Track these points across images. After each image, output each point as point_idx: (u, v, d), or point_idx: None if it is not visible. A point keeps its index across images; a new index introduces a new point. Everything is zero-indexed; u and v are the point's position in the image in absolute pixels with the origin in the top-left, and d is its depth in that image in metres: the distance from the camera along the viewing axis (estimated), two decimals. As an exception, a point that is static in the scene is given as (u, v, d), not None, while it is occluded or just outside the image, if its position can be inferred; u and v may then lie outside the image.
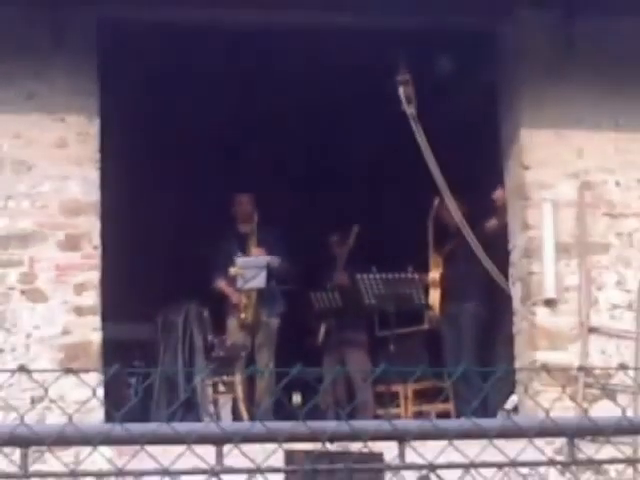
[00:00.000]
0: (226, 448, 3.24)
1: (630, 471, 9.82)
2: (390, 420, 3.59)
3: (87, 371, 9.73)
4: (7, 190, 9.91)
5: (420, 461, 3.48)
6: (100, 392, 9.64)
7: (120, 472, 3.58)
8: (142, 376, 10.33)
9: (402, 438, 3.25)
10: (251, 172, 11.76)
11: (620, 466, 9.62)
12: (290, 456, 6.83)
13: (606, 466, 9.81)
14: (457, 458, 3.61)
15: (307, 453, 6.48)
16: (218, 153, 12.29)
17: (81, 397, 9.21)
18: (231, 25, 10.24)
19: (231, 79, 11.43)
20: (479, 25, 10.56)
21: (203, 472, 3.27)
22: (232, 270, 11.19)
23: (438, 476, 3.98)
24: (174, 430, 3.32)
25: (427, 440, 3.43)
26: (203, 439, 3.30)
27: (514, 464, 3.83)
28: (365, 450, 3.47)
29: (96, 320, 9.94)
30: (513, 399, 10.53)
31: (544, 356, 10.42)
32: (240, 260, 11.20)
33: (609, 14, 10.30)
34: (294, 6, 9.78)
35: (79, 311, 9.89)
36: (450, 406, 11.11)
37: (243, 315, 11.13)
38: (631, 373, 10.08)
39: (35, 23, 9.82)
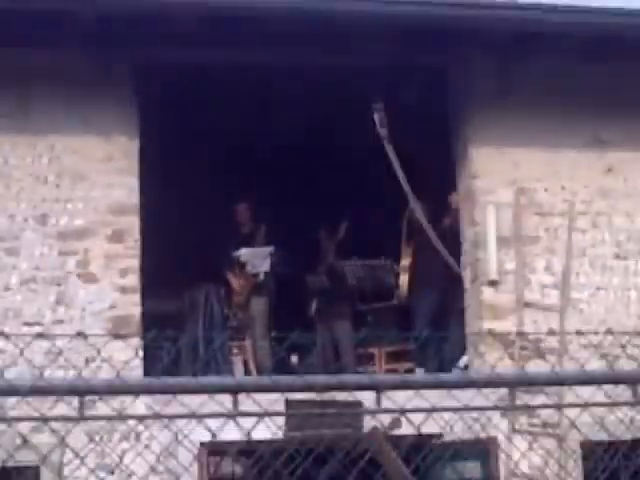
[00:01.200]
0: (240, 397, 3.24)
1: (557, 415, 9.87)
2: (368, 375, 3.61)
3: (130, 337, 9.75)
4: (66, 195, 9.90)
5: (392, 406, 3.47)
6: (140, 353, 9.68)
7: (156, 416, 3.59)
8: (173, 341, 10.35)
9: (378, 389, 3.25)
10: (259, 181, 11.70)
11: (549, 410, 9.69)
12: (289, 403, 6.82)
13: (538, 410, 9.84)
14: (422, 404, 3.62)
15: (303, 401, 6.50)
16: (231, 166, 12.25)
17: (125, 357, 9.19)
18: (242, 64, 10.24)
19: (243, 107, 11.41)
20: (437, 63, 10.57)
21: (222, 415, 3.28)
22: (242, 257, 11.27)
23: (407, 418, 4.00)
24: (198, 382, 3.31)
25: (398, 390, 3.43)
26: (222, 389, 3.30)
27: (467, 409, 3.83)
28: (349, 399, 3.46)
29: (137, 297, 9.94)
30: (464, 359, 10.57)
31: (489, 324, 10.44)
32: (246, 250, 11.29)
33: (540, 57, 10.32)
34: (289, 47, 9.78)
35: (123, 290, 9.90)
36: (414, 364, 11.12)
37: (237, 298, 11.22)
38: (557, 338, 10.14)
39: (90, 63, 9.81)
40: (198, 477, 9.54)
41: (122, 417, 3.51)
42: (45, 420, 2.94)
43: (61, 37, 9.44)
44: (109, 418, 3.31)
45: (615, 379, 3.68)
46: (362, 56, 10.04)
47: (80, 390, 2.95)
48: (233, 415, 3.09)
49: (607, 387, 3.52)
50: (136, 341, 9.78)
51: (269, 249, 11.32)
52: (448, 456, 9.98)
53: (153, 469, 9.23)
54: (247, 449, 9.06)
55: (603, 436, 9.42)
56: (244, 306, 11.22)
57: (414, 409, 3.48)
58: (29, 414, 3.26)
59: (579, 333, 9.88)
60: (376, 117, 10.35)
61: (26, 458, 9.02)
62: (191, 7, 9.57)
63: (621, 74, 10.57)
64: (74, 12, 9.31)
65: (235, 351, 11.04)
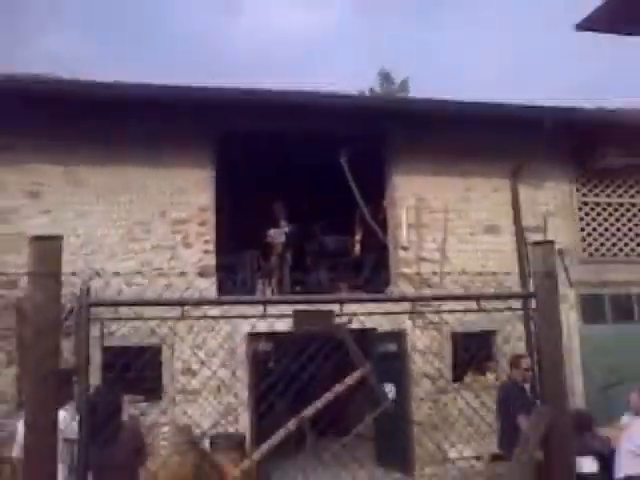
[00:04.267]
0: (268, 307, 3.24)
1: (437, 317, 9.68)
2: (336, 294, 3.63)
3: (209, 276, 9.75)
4: (175, 201, 9.90)
5: (349, 312, 3.49)
6: (214, 285, 9.70)
7: (223, 317, 3.62)
8: (232, 278, 10.37)
9: (342, 302, 3.27)
10: (282, 195, 11.59)
11: (433, 315, 9.67)
12: (296, 312, 6.82)
13: (427, 314, 9.90)
14: (364, 310, 3.64)
15: (303, 310, 6.51)
16: (267, 184, 12.11)
17: (206, 286, 9.22)
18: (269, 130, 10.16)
19: (277, 151, 11.29)
20: (380, 131, 10.52)
21: (257, 317, 3.27)
22: (271, 234, 11.26)
23: (357, 319, 4.03)
24: (245, 298, 3.34)
25: (352, 303, 3.44)
26: (258, 302, 3.31)
27: (391, 312, 3.87)
28: (327, 308, 3.46)
29: (213, 256, 9.91)
30: (390, 288, 10.57)
31: (402, 270, 10.44)
32: (272, 230, 11.26)
33: (433, 129, 10.28)
34: (299, 120, 9.72)
35: (206, 252, 9.89)
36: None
37: (277, 253, 11.13)
38: (437, 277, 10.17)
39: (187, 127, 9.77)
40: (246, 351, 9.58)
41: (205, 317, 3.51)
42: (164, 319, 2.95)
43: (176, 112, 9.42)
44: (198, 318, 3.31)
45: (448, 298, 3.70)
46: (337, 127, 9.98)
47: (181, 302, 2.96)
48: (264, 316, 3.11)
49: (464, 302, 3.54)
50: (212, 278, 9.80)
51: (284, 229, 11.30)
52: (379, 340, 10.07)
53: (221, 346, 9.28)
54: (272, 335, 9.17)
55: (462, 329, 9.59)
56: (282, 255, 11.10)
57: (360, 313, 3.49)
58: (157, 316, 3.27)
59: (449, 274, 9.98)
60: (343, 160, 10.39)
61: (153, 341, 9.06)
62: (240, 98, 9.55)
63: (475, 137, 10.53)
64: (172, 103, 9.32)
65: (266, 285, 11.03)
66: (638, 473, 6.88)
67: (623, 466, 6.99)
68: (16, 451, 5.40)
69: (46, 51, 43.74)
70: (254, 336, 9.64)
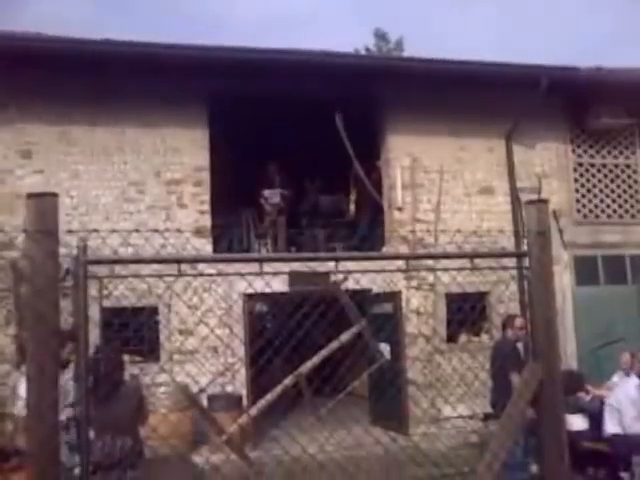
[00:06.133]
0: (264, 265, 3.25)
1: (431, 276, 9.73)
2: (331, 254, 3.66)
3: (204, 236, 9.75)
4: (170, 161, 9.87)
5: (344, 269, 3.51)
6: (210, 243, 9.71)
7: (219, 275, 3.65)
8: (227, 237, 10.40)
9: (337, 260, 3.28)
10: (277, 155, 11.52)
11: (428, 272, 9.70)
12: (292, 272, 6.85)
13: (421, 272, 9.96)
14: (358, 268, 3.66)
15: (298, 270, 6.55)
16: (263, 145, 12.01)
17: (202, 246, 9.23)
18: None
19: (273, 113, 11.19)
20: (374, 92, 10.41)
21: (254, 274, 3.27)
22: (265, 195, 11.24)
23: (352, 278, 4.05)
24: (241, 256, 3.36)
25: (347, 261, 3.46)
26: (254, 260, 3.32)
27: (384, 271, 3.89)
28: (321, 268, 3.48)
29: (208, 216, 9.91)
30: (384, 248, 10.59)
31: (396, 230, 10.49)
32: (267, 191, 11.24)
33: (425, 89, 10.21)
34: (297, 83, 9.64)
35: (201, 212, 9.88)
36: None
37: (270, 217, 11.11)
38: (432, 236, 10.19)
39: (183, 88, 9.66)
40: (242, 310, 9.64)
41: (201, 274, 3.53)
42: (160, 276, 2.97)
43: (169, 71, 9.33)
44: (195, 275, 3.33)
45: (442, 256, 3.71)
46: (331, 86, 9.84)
47: (181, 260, 2.97)
48: (261, 273, 3.12)
49: (458, 261, 3.52)
50: (208, 238, 9.80)
51: (279, 191, 11.26)
52: (374, 300, 10.13)
53: (217, 304, 9.34)
54: (268, 295, 9.22)
55: (456, 289, 9.63)
56: (275, 220, 11.08)
57: (354, 271, 3.51)
58: (153, 274, 3.28)
59: (444, 231, 10.00)
60: (337, 119, 10.30)
61: (150, 301, 9.11)
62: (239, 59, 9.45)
63: (470, 97, 10.47)
64: (166, 61, 9.19)
65: (262, 243, 11.05)
66: (619, 431, 7.05)
67: (610, 423, 7.16)
68: (18, 408, 5.47)
69: (45, 13, 42.94)
70: (250, 296, 9.69)
